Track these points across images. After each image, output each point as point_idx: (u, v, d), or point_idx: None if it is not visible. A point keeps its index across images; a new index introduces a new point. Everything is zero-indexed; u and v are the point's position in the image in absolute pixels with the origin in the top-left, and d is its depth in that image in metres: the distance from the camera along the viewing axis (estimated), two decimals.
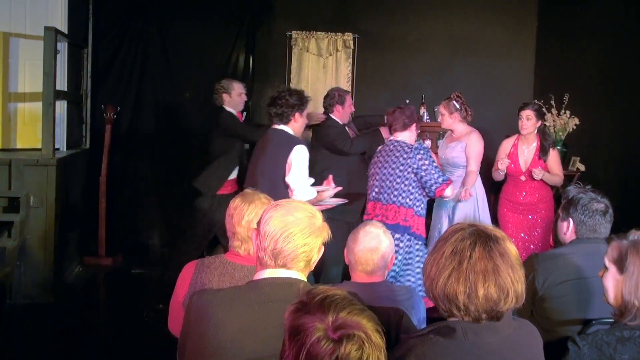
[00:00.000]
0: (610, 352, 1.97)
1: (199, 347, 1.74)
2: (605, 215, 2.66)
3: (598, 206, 2.65)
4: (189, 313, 1.82)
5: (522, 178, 4.89)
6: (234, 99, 5.18)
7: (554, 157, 4.87)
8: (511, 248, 1.67)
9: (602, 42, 5.87)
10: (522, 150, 4.91)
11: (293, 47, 7.04)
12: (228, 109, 5.16)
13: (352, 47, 7.04)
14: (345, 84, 7.04)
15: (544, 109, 5.25)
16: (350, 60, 7.07)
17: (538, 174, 4.72)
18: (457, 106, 4.85)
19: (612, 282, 2.09)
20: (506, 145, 5.00)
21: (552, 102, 6.13)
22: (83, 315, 5.06)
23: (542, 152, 4.84)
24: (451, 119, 4.88)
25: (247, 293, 1.79)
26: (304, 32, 7.02)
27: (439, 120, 6.72)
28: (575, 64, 6.29)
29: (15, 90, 5.79)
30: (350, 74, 7.08)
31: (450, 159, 4.88)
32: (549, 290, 2.54)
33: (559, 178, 4.89)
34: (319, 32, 7.02)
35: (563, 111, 6.08)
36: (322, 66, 7.05)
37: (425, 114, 6.79)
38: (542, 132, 4.95)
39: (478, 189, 4.88)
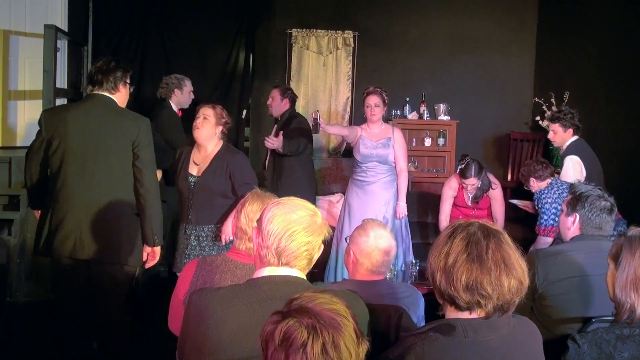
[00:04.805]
0: (610, 350, 1.96)
1: (199, 346, 1.74)
2: (612, 214, 2.67)
3: (605, 204, 2.66)
4: (189, 311, 1.82)
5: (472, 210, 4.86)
6: (184, 96, 5.07)
7: (497, 198, 4.78)
8: (511, 242, 1.68)
9: (602, 40, 5.87)
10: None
11: (293, 45, 7.04)
12: (173, 105, 5.04)
13: (352, 45, 7.04)
14: (346, 82, 7.04)
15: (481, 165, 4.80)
16: (351, 58, 7.07)
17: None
18: (386, 99, 4.71)
19: (610, 279, 2.08)
20: (449, 190, 4.85)
21: (552, 100, 6.13)
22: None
23: (475, 199, 4.76)
24: (382, 112, 4.73)
25: (247, 291, 1.78)
26: (304, 30, 7.02)
27: (438, 118, 6.74)
28: (576, 62, 6.28)
29: (15, 88, 5.79)
30: (350, 72, 7.08)
31: (384, 156, 4.68)
32: (548, 287, 2.54)
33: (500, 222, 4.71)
34: (319, 30, 7.02)
35: None
36: (322, 64, 7.05)
37: (425, 111, 6.79)
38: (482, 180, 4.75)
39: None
